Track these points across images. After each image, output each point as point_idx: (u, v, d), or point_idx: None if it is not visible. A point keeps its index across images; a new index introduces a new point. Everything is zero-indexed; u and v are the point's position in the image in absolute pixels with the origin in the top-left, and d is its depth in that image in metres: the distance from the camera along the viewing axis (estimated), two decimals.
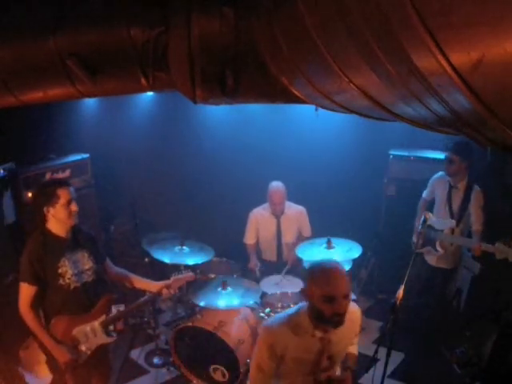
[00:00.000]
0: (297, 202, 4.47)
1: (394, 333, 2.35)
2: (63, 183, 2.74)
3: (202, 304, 3.56)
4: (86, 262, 2.78)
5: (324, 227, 4.18)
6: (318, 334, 2.06)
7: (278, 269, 4.13)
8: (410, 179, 4.67)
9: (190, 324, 3.57)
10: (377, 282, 5.02)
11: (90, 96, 2.33)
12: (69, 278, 2.68)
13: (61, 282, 2.66)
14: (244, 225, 4.54)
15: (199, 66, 1.87)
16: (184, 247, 3.97)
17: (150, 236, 4.44)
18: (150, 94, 4.82)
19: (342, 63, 1.09)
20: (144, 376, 3.95)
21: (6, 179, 3.97)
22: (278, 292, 3.75)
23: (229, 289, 3.62)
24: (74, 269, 2.70)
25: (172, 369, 3.90)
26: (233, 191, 5.14)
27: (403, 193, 4.74)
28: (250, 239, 4.51)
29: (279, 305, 3.62)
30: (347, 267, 3.70)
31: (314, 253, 3.70)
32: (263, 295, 3.78)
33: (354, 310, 2.17)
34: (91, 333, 2.76)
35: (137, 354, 4.12)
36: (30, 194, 3.96)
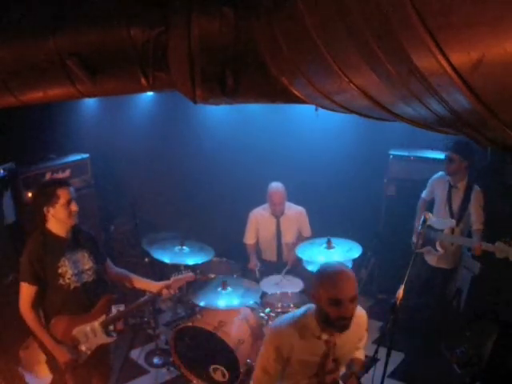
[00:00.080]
0: (297, 202, 4.48)
1: (394, 333, 2.35)
2: (63, 183, 2.74)
3: (202, 304, 3.56)
4: (86, 261, 2.78)
5: (324, 227, 4.18)
6: (324, 336, 2.06)
7: (278, 269, 4.13)
8: (410, 179, 4.67)
9: (189, 324, 3.57)
10: (377, 282, 5.02)
11: (90, 96, 2.32)
12: (69, 278, 2.68)
13: (61, 281, 2.66)
14: (244, 225, 4.54)
15: (199, 65, 1.86)
16: (184, 247, 3.97)
17: (150, 236, 4.44)
18: (150, 94, 4.82)
19: (342, 63, 1.08)
20: (144, 376, 3.95)
21: (6, 179, 3.97)
22: (278, 292, 3.76)
23: (229, 289, 3.62)
24: (74, 269, 2.70)
25: (172, 369, 3.90)
26: (233, 191, 5.14)
27: (403, 193, 4.74)
28: (249, 239, 4.51)
29: (279, 305, 3.62)
30: None
31: (314, 253, 3.70)
32: (263, 295, 3.78)
33: (360, 314, 2.17)
34: (91, 333, 2.76)
35: (137, 354, 4.12)
36: (30, 194, 3.96)
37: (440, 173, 4.03)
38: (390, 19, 0.72)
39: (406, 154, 4.81)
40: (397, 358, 4.01)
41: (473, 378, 3.60)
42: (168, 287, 2.98)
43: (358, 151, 4.88)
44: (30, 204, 3.45)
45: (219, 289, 3.62)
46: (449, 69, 0.68)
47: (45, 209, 2.64)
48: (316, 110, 2.06)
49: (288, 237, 4.44)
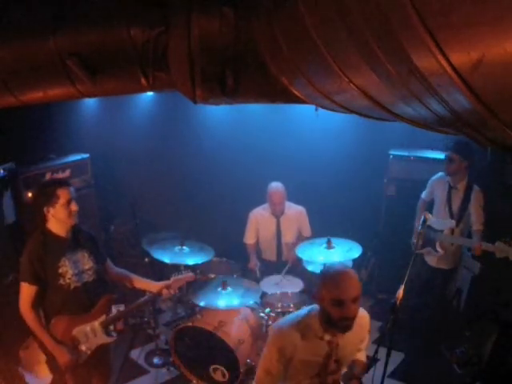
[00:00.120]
0: (297, 202, 4.48)
1: (394, 333, 2.34)
2: (63, 183, 2.74)
3: (202, 304, 3.56)
4: (86, 261, 2.78)
5: (324, 227, 4.18)
6: (327, 337, 2.07)
7: (278, 269, 4.14)
8: (410, 179, 4.67)
9: (190, 324, 3.57)
10: (377, 282, 5.02)
11: (90, 96, 2.32)
12: (69, 278, 2.68)
13: (61, 281, 2.66)
14: (244, 225, 4.54)
15: (199, 66, 1.86)
16: (184, 247, 3.97)
17: (150, 236, 4.44)
18: (150, 94, 4.82)
19: (342, 63, 1.08)
20: (144, 376, 3.95)
21: (6, 179, 3.97)
22: (278, 292, 3.76)
23: (229, 289, 3.62)
24: (74, 269, 2.70)
25: (172, 369, 3.90)
26: (233, 191, 5.14)
27: (403, 193, 4.74)
28: (249, 239, 4.51)
29: (279, 305, 3.62)
30: None
31: (314, 253, 3.70)
32: (263, 295, 3.78)
33: (363, 315, 2.18)
34: (91, 333, 2.76)
35: (137, 354, 4.12)
36: (30, 194, 3.96)
37: (439, 173, 4.03)
38: (389, 19, 0.72)
39: (406, 154, 4.81)
40: (397, 357, 4.01)
41: (473, 378, 3.60)
42: (168, 287, 2.98)
43: (358, 151, 4.88)
44: (30, 204, 3.45)
45: (219, 289, 3.62)
46: (449, 69, 0.68)
47: (45, 209, 2.64)
48: (316, 109, 2.06)
49: (288, 236, 4.44)
